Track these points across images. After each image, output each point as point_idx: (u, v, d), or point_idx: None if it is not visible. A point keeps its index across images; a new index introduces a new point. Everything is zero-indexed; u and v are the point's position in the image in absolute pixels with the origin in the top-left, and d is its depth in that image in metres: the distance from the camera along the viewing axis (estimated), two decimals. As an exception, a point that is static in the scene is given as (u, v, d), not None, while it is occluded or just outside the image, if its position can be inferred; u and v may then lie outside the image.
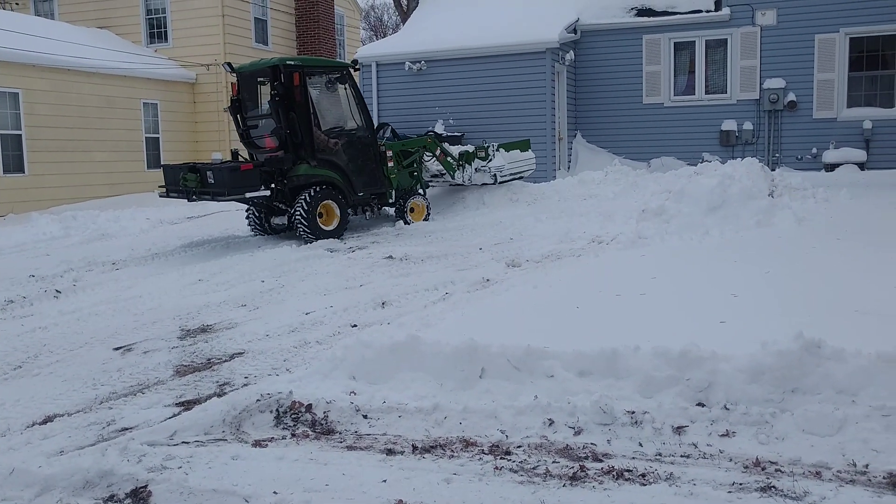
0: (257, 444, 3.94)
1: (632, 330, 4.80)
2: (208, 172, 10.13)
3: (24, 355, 5.97)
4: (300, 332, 6.21)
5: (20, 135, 16.10)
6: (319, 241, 10.53)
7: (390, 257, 9.10)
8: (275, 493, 3.36)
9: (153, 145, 19.28)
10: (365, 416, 4.18)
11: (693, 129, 16.80)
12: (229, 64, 11.23)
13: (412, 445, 3.82)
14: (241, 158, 11.19)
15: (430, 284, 7.55)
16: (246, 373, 5.25)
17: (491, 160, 13.05)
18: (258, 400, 4.31)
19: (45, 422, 4.53)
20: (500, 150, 13.33)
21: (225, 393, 4.71)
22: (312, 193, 10.56)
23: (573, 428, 3.89)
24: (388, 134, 12.04)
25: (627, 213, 10.52)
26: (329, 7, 23.80)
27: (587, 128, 17.70)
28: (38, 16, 21.64)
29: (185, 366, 5.54)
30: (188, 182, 10.16)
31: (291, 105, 10.48)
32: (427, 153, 12.81)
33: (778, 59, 16.03)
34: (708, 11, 16.54)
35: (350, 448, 3.86)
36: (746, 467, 3.44)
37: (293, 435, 4.05)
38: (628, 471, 3.45)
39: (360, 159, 11.37)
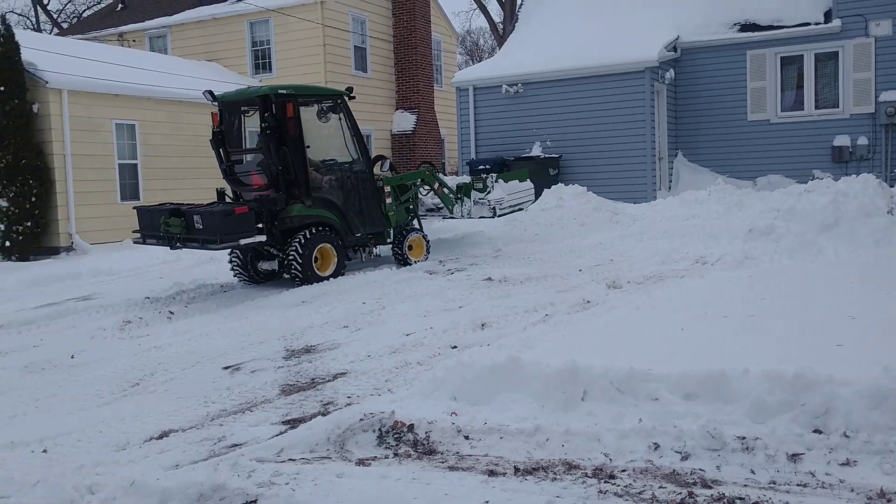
0: (361, 462, 3.99)
1: (740, 352, 4.64)
2: (196, 216, 9.03)
3: (141, 373, 6.26)
4: (401, 353, 6.27)
5: (136, 164, 17.02)
6: (418, 263, 10.60)
7: (489, 279, 9.10)
8: (378, 511, 3.39)
9: (259, 171, 19.98)
10: (466, 437, 4.18)
11: (802, 146, 16.19)
12: (210, 92, 9.98)
13: (514, 467, 3.79)
14: (227, 199, 10.18)
15: (529, 306, 7.51)
16: (349, 392, 5.34)
17: (489, 192, 12.20)
18: (361, 419, 4.36)
19: (161, 436, 4.73)
20: (499, 181, 12.51)
21: (329, 412, 4.80)
22: (307, 236, 9.56)
23: (680, 452, 3.77)
24: (385, 167, 11.08)
25: (733, 233, 10.21)
26: (426, 33, 24.22)
27: (688, 147, 17.32)
28: (153, 51, 22.92)
29: (291, 385, 5.67)
30: (171, 227, 9.13)
31: (283, 138, 9.50)
32: (424, 186, 12.08)
33: (895, 71, 15.29)
34: (817, 24, 15.98)
35: (452, 468, 3.85)
36: (870, 498, 3.25)
37: (395, 454, 4.08)
38: (740, 498, 3.31)
39: (358, 196, 10.43)
